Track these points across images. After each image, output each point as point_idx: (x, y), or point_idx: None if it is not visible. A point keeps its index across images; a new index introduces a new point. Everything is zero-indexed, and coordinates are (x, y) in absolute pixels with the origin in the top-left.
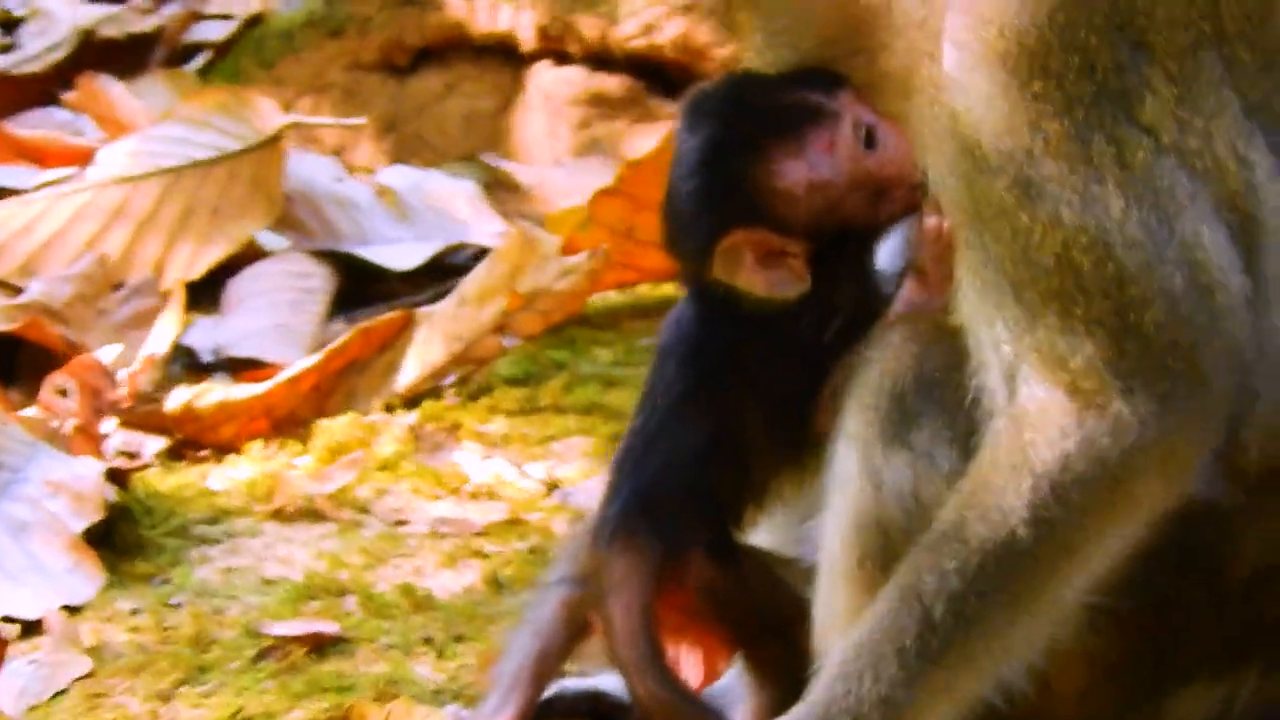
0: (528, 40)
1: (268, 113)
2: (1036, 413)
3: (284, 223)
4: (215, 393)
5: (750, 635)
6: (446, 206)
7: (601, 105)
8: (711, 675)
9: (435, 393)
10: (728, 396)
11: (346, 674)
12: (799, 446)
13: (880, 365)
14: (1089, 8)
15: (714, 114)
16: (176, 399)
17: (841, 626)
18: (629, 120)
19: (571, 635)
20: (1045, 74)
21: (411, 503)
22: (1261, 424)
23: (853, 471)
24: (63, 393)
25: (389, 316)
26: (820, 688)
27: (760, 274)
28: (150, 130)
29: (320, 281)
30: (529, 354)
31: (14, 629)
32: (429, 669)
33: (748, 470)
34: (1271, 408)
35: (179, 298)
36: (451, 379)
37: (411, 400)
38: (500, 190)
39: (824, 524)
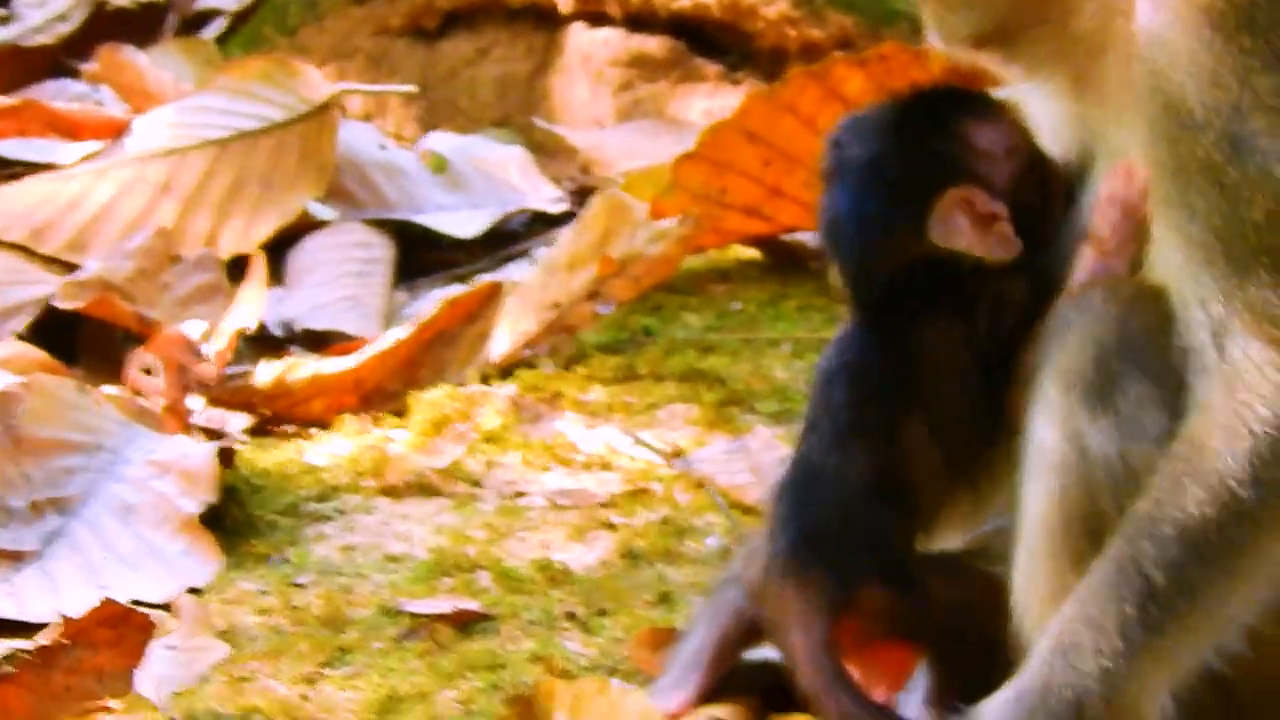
0: (565, 3)
1: (314, 81)
2: (1250, 372)
3: (332, 193)
4: (306, 367)
5: (935, 644)
6: (497, 172)
7: (643, 66)
8: (899, 683)
9: (529, 363)
10: (896, 420)
11: (496, 652)
12: (972, 468)
13: (1080, 329)
14: None
15: (891, 111)
16: (266, 373)
17: (1045, 600)
18: (673, 81)
19: (748, 633)
20: (1252, 29)
21: (525, 475)
22: None
23: (1055, 439)
24: (148, 371)
25: (476, 287)
26: (1038, 662)
27: (975, 234)
28: (188, 101)
29: (381, 251)
30: (617, 321)
31: (161, 614)
32: (578, 644)
33: (918, 498)
34: None
35: (260, 270)
36: (544, 349)
37: (506, 370)
38: (541, 155)
39: (1024, 497)
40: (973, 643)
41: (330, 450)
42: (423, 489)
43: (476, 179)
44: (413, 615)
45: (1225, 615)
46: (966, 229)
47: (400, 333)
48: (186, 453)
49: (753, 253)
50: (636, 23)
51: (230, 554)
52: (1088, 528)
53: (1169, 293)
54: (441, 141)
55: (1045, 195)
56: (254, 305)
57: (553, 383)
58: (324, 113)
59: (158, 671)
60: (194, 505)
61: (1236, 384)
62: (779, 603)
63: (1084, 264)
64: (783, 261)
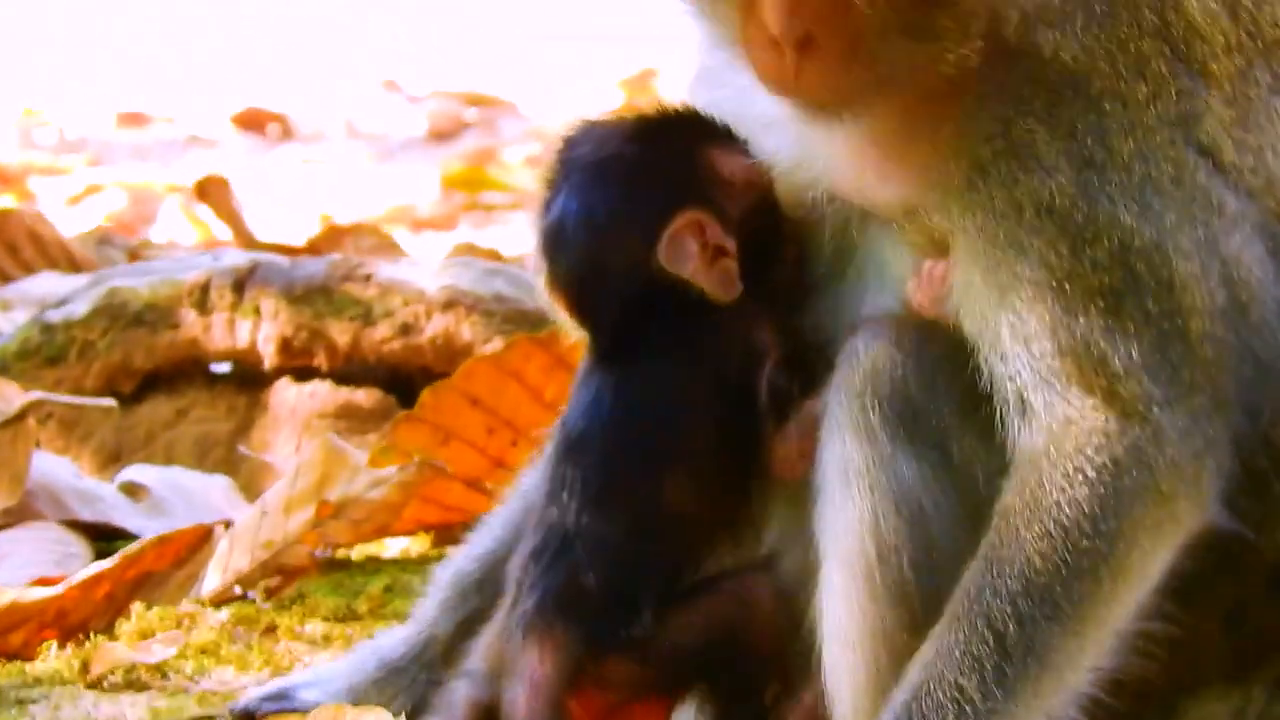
0: (269, 355)
1: (9, 394)
2: (1078, 421)
3: (24, 518)
4: (4, 596)
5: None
6: (199, 498)
7: (352, 417)
8: None
9: (243, 599)
10: (653, 478)
11: None
12: (735, 511)
13: (873, 360)
14: (1157, 39)
15: (631, 122)
16: None
17: (867, 641)
18: (383, 434)
19: None
20: (1115, 96)
21: (241, 678)
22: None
23: (857, 474)
24: None
25: (187, 528)
26: None
27: (703, 265)
28: None
29: (79, 549)
30: (336, 582)
31: None
32: None
33: (682, 550)
34: None
35: None
36: (254, 595)
37: (219, 604)
38: (248, 493)
39: (825, 536)
40: (740, 672)
41: (37, 667)
42: (135, 684)
43: (178, 504)
44: None
45: (1072, 677)
46: (695, 256)
47: (105, 563)
48: None
49: None
50: (345, 377)
51: None
52: (907, 558)
53: (960, 328)
54: (140, 473)
55: (776, 242)
56: None
57: (267, 615)
58: (18, 423)
59: None
60: None
61: (1065, 436)
62: (515, 660)
63: None
64: None
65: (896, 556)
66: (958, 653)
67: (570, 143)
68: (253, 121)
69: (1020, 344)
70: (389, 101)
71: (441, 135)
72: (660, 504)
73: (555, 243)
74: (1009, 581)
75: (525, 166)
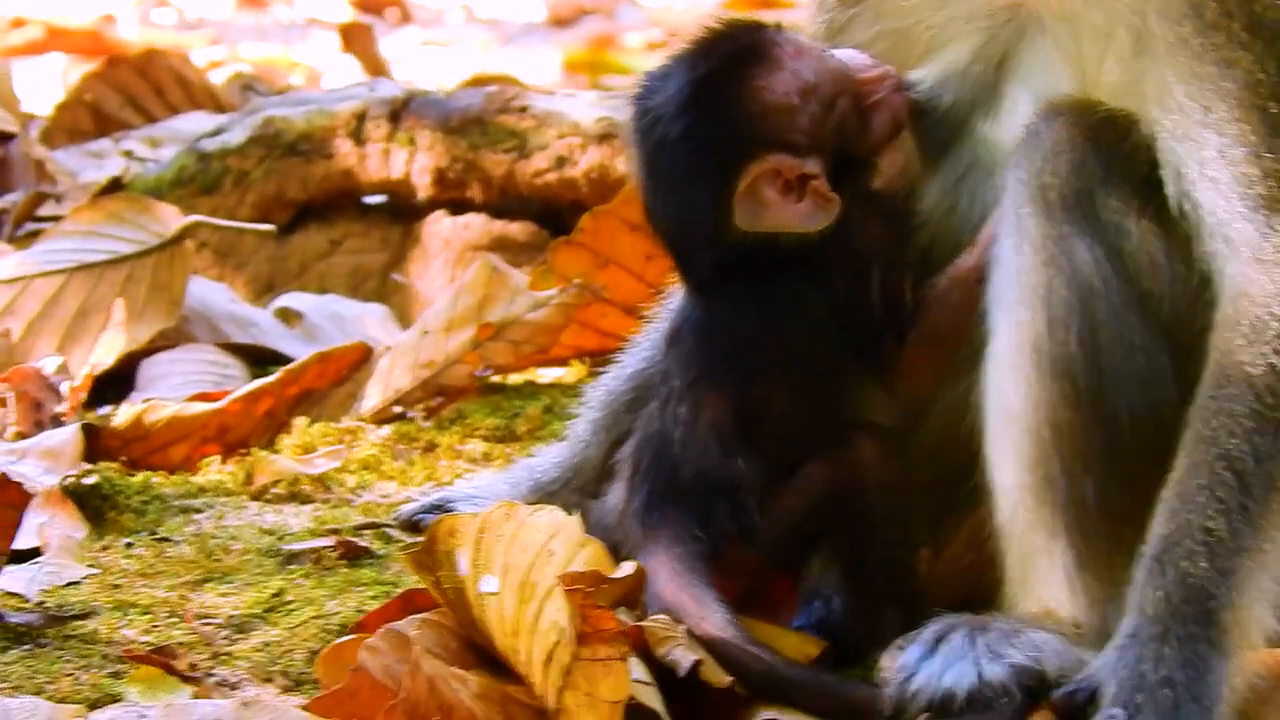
0: (423, 186)
1: (165, 215)
2: None
3: (179, 339)
4: (166, 409)
5: (835, 559)
6: (353, 326)
7: (506, 249)
8: (789, 609)
9: (403, 418)
10: (749, 378)
11: (385, 577)
12: (833, 409)
13: (1050, 142)
14: None
15: (677, 77)
16: (125, 414)
17: (1044, 418)
18: (536, 265)
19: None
20: None
21: (403, 492)
22: None
23: (1037, 247)
24: (1, 403)
25: (346, 346)
26: (1152, 590)
27: (788, 208)
28: (34, 247)
29: (236, 370)
30: (495, 403)
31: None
32: None
33: (771, 444)
34: None
35: (120, 315)
36: (414, 414)
37: (380, 422)
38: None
39: (997, 322)
40: (858, 534)
41: (198, 479)
42: (297, 496)
43: (332, 331)
44: (294, 552)
45: None
46: (775, 204)
47: (266, 380)
48: (51, 434)
49: None
50: (499, 209)
51: (95, 527)
52: (1074, 333)
53: (1135, 120)
54: (296, 300)
55: (865, 125)
56: (114, 345)
57: (428, 434)
58: (176, 245)
59: (26, 576)
60: (55, 478)
61: (1276, 266)
62: (643, 553)
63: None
64: None
65: (1064, 330)
66: (1202, 498)
67: (637, 107)
68: (371, 4)
69: (1226, 168)
70: None
71: (560, 21)
72: (753, 404)
73: (644, 208)
74: (1242, 421)
75: (646, 51)
